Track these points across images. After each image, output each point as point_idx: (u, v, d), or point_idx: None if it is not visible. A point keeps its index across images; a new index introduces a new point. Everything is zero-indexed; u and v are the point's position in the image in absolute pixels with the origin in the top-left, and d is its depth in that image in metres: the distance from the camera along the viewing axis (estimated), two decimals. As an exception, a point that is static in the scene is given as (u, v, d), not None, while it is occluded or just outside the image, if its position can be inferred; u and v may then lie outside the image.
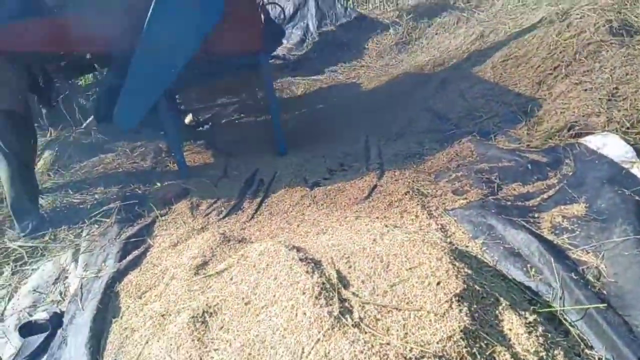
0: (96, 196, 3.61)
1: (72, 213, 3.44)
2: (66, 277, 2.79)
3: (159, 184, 3.70)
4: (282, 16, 7.03)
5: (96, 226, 3.23)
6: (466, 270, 1.83)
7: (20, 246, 3.12)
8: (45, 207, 3.52)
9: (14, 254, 3.07)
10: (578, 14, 4.21)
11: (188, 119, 5.13)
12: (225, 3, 3.09)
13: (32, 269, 2.92)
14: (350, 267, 1.96)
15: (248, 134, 4.56)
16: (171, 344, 1.78)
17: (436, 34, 5.94)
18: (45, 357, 2.19)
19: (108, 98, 3.29)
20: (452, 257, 1.88)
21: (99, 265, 2.77)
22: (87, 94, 6.04)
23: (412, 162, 3.42)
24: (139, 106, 3.18)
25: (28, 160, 3.35)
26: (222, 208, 3.28)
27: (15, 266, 2.96)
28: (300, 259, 1.97)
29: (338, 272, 1.92)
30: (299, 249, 2.11)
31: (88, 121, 5.17)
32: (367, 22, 6.83)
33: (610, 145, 2.83)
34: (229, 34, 3.28)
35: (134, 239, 2.97)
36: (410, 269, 1.85)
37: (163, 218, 3.22)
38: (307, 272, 1.86)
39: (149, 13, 2.98)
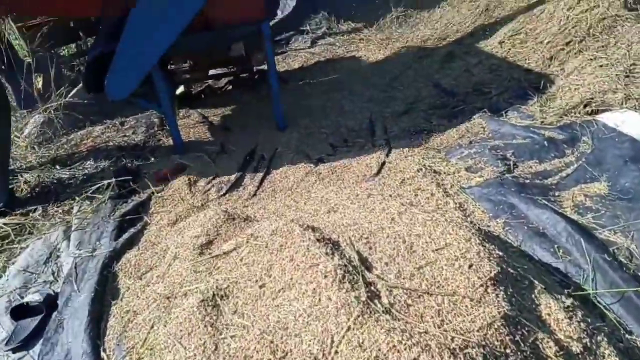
0: (86, 171, 3.41)
1: (60, 189, 3.25)
2: (58, 257, 2.62)
3: (152, 159, 3.52)
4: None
5: (88, 203, 3.05)
6: (497, 251, 1.72)
7: (5, 224, 2.93)
8: (30, 183, 3.32)
9: (-1, 232, 2.88)
10: (590, -12, 4.06)
11: (179, 90, 4.90)
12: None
13: (21, 248, 2.74)
14: (370, 248, 1.85)
15: (244, 108, 4.37)
16: (181, 330, 1.65)
17: (438, 7, 5.75)
18: (40, 341, 2.05)
19: (98, 67, 3.06)
20: (481, 238, 1.77)
21: (93, 243, 2.61)
22: (71, 64, 5.76)
23: (421, 139, 3.29)
24: (132, 75, 2.97)
25: None
26: (222, 185, 3.12)
27: (2, 244, 2.78)
28: (318, 240, 1.84)
29: (359, 253, 1.80)
30: (314, 229, 1.97)
31: (73, 92, 4.91)
32: (366, -6, 6.58)
33: (629, 123, 2.73)
34: (230, 0, 3.07)
35: (129, 217, 2.81)
36: (436, 250, 1.74)
37: (159, 195, 3.05)
38: (326, 253, 1.73)
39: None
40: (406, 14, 5.97)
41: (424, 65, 4.46)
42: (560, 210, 2.22)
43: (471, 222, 2.13)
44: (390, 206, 2.21)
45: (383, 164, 2.97)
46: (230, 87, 5.07)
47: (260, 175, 3.20)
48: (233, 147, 3.65)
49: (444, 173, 2.74)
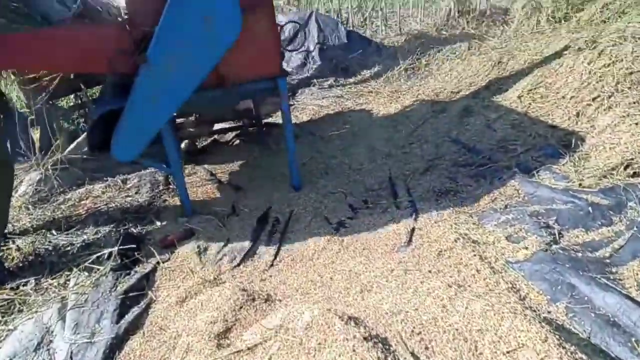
0: (85, 237, 3.14)
1: (56, 258, 2.96)
2: (51, 341, 2.31)
3: (158, 223, 3.26)
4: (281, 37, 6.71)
5: (86, 274, 2.76)
6: (580, 354, 1.46)
7: (-8, 299, 2.62)
8: (23, 250, 3.03)
9: (-16, 309, 2.57)
10: (609, 42, 4.00)
11: (184, 145, 4.72)
12: (243, 20, 2.75)
13: (8, 330, 2.43)
14: (426, 347, 1.57)
15: (254, 164, 4.16)
16: None
17: (447, 59, 5.71)
18: None
19: (103, 124, 2.87)
20: (557, 336, 1.51)
21: (91, 326, 2.31)
22: (70, 116, 5.60)
23: (449, 201, 3.07)
24: (140, 136, 2.76)
25: None
26: (235, 253, 2.86)
27: (-13, 325, 2.47)
28: (364, 338, 1.56)
29: (414, 356, 1.52)
30: (356, 321, 1.71)
31: (72, 147, 4.71)
32: (372, 46, 6.59)
33: (681, 188, 2.55)
34: (245, 55, 2.92)
35: (132, 293, 2.52)
36: (508, 353, 1.47)
37: (166, 265, 2.78)
38: (378, 358, 1.46)
39: (157, 29, 2.60)
40: (414, 66, 5.92)
41: (440, 120, 4.32)
42: (625, 292, 1.97)
43: (530, 308, 1.87)
44: (436, 287, 1.96)
45: (413, 230, 2.73)
46: (238, 141, 4.90)
47: (276, 241, 2.94)
48: (245, 208, 3.41)
49: (483, 243, 2.50)
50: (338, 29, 6.64)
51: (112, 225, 3.23)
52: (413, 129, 4.31)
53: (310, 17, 6.70)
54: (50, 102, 5.01)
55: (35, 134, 5.03)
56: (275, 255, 2.81)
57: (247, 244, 2.93)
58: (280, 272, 2.64)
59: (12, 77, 4.74)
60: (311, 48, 6.47)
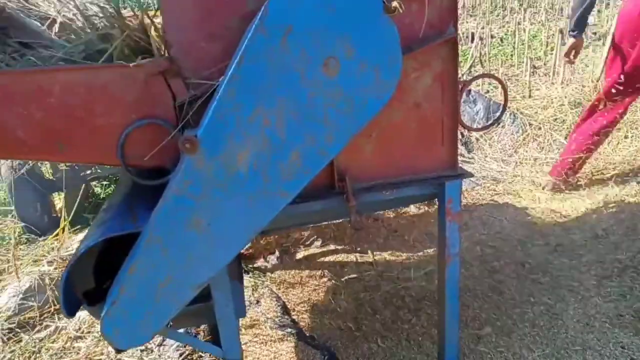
0: None
1: None
2: None
3: None
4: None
5: None
6: None
7: None
8: None
9: None
10: None
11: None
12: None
13: None
14: None
15: (352, 302, 2.62)
16: None
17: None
18: None
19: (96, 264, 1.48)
20: None
21: None
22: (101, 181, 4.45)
23: None
24: (170, 299, 1.33)
25: None
26: None
27: None
28: None
29: None
30: None
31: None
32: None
33: None
34: (386, 137, 1.50)
35: None
36: None
37: None
38: None
39: (222, 84, 1.22)
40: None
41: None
42: None
43: None
44: None
45: None
46: (320, 242, 3.41)
47: None
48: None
49: None
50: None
51: None
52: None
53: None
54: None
55: (59, 199, 4.00)
56: None
57: None
58: None
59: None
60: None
